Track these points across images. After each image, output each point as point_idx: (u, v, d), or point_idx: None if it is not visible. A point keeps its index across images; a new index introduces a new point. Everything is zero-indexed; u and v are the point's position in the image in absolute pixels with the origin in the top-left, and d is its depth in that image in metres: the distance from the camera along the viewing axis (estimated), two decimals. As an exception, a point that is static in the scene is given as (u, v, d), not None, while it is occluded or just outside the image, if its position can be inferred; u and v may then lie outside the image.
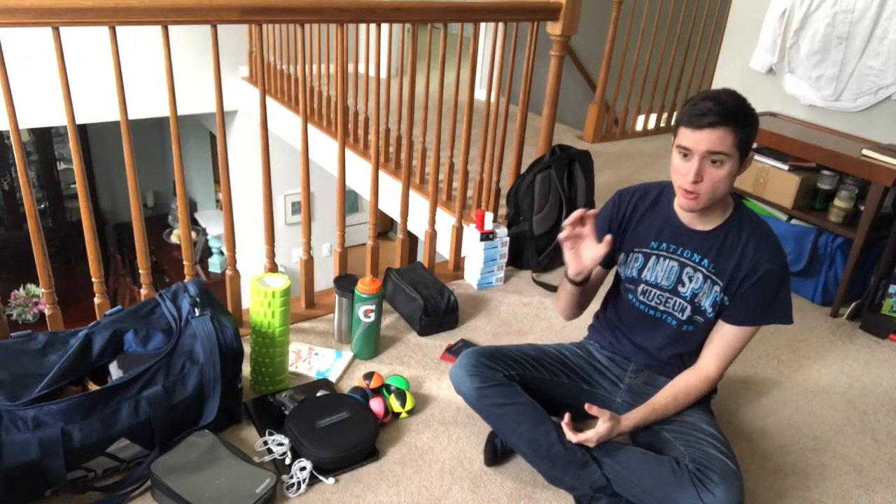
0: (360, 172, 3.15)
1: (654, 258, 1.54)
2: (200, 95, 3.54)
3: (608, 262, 1.66)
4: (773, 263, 1.44)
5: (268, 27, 3.92)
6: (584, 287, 1.59)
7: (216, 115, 1.78)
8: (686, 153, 1.36)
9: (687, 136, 1.34)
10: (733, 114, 1.31)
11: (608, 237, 1.44)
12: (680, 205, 1.45)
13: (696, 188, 1.36)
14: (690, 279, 1.50)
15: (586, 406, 1.41)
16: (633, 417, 1.46)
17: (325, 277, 2.35)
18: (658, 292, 1.55)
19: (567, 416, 1.43)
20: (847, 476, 1.63)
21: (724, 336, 1.50)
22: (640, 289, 1.57)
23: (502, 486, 1.50)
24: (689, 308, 1.51)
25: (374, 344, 1.91)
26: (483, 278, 2.34)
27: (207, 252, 6.23)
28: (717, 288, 1.47)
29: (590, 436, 1.40)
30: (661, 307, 1.55)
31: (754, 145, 2.54)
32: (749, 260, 1.44)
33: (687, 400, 1.49)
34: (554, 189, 2.43)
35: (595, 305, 1.78)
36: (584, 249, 1.49)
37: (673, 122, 1.44)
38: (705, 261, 1.48)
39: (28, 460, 1.25)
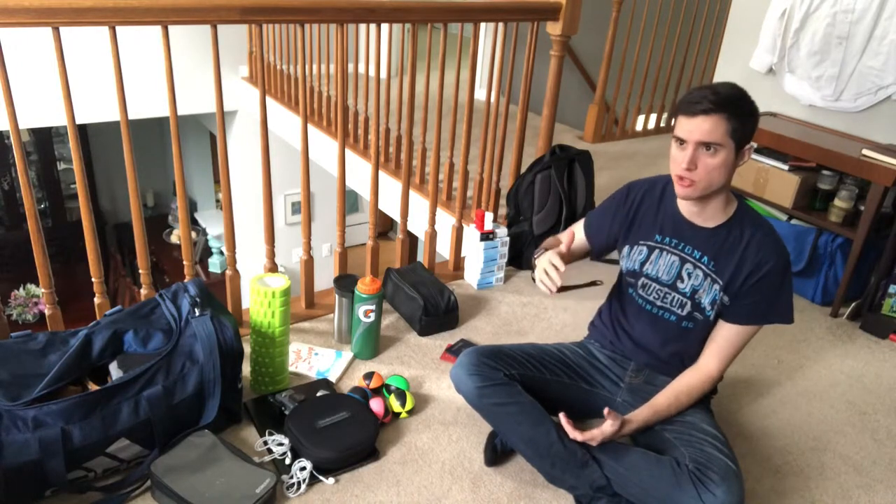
0: (360, 172, 3.15)
1: (657, 251, 1.55)
2: (200, 95, 3.54)
3: (600, 246, 1.68)
4: (776, 262, 1.44)
5: (268, 27, 3.92)
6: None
7: (216, 115, 1.78)
8: (682, 141, 1.38)
9: (682, 125, 1.37)
10: (728, 102, 1.33)
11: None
12: (676, 193, 1.46)
13: (689, 175, 1.38)
14: (690, 275, 1.50)
15: (605, 411, 1.41)
16: (637, 419, 1.46)
17: (325, 277, 2.35)
18: (657, 287, 1.55)
19: (563, 416, 1.43)
20: (847, 476, 1.63)
21: (725, 335, 1.50)
22: (640, 282, 1.58)
23: (502, 486, 1.50)
24: (689, 304, 1.52)
25: (374, 344, 1.91)
26: (483, 278, 2.34)
27: (207, 252, 6.23)
28: (716, 286, 1.48)
29: (594, 434, 1.40)
30: (660, 303, 1.55)
31: (755, 145, 2.56)
32: (751, 259, 1.45)
33: (689, 399, 1.50)
34: (554, 189, 2.43)
35: (597, 303, 1.78)
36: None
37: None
38: (705, 258, 1.49)
39: (28, 460, 1.25)
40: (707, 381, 1.51)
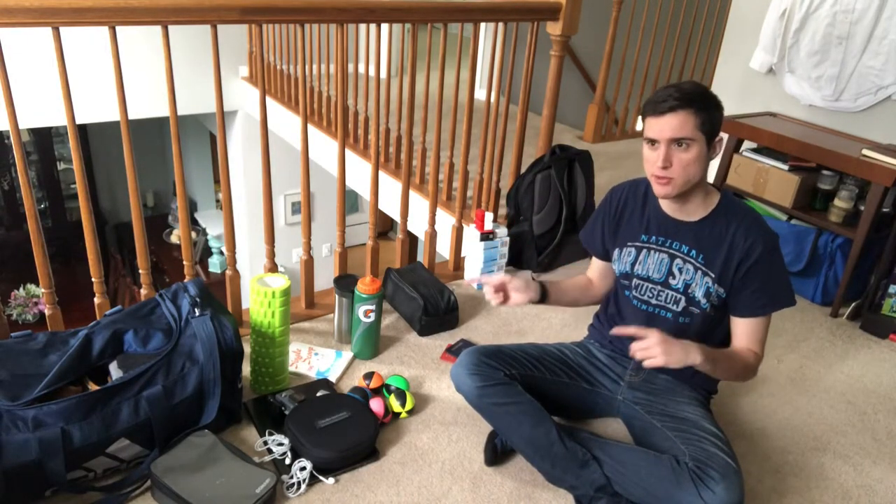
0: (360, 172, 3.15)
1: (645, 251, 1.56)
2: (200, 95, 3.54)
3: (607, 259, 1.68)
4: (764, 246, 1.45)
5: (268, 27, 3.91)
6: (554, 297, 1.66)
7: (216, 115, 1.78)
8: (654, 142, 1.39)
9: (651, 125, 1.39)
10: (692, 97, 1.35)
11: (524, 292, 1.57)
12: (655, 193, 1.47)
13: (666, 173, 1.39)
14: (681, 271, 1.51)
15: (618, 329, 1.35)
16: (705, 348, 1.37)
17: (325, 277, 2.35)
18: (650, 286, 1.56)
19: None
20: (847, 476, 1.63)
21: (743, 330, 1.50)
22: (633, 283, 1.58)
23: (502, 486, 1.50)
24: (683, 299, 1.52)
25: (374, 344, 1.91)
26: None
27: (207, 252, 6.23)
28: (708, 279, 1.48)
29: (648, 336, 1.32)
30: (654, 301, 1.56)
31: (750, 142, 2.56)
32: (740, 248, 1.45)
33: (744, 364, 1.47)
34: (554, 189, 2.43)
35: (594, 306, 1.78)
36: (512, 294, 1.57)
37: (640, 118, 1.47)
38: (693, 251, 1.50)
39: (28, 460, 1.25)
40: (754, 359, 1.49)
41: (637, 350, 1.33)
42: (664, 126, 1.36)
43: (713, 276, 1.48)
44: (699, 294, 1.50)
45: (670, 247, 1.53)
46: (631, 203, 1.60)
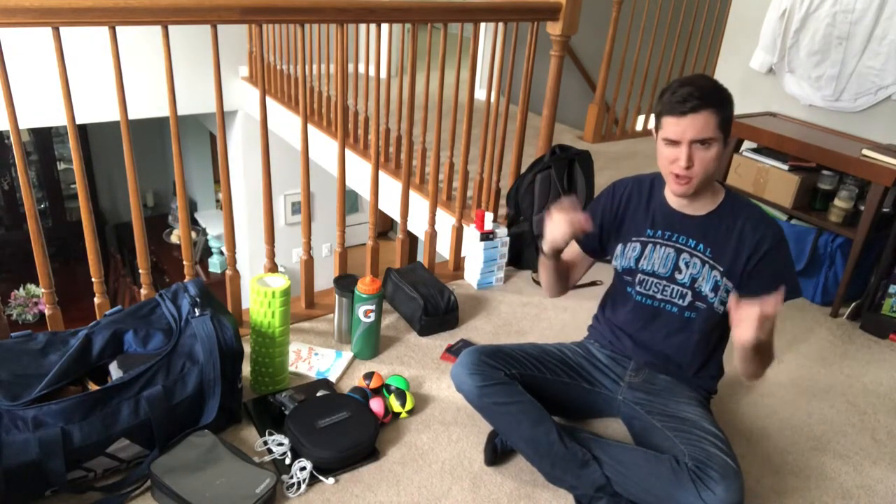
0: (360, 172, 3.15)
1: (650, 246, 1.56)
2: (200, 95, 3.54)
3: (593, 249, 1.68)
4: (772, 238, 1.46)
5: (268, 27, 3.92)
6: (559, 262, 1.63)
7: (216, 115, 1.78)
8: (675, 141, 1.38)
9: (672, 125, 1.37)
10: (712, 95, 1.36)
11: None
12: (672, 191, 1.47)
13: (687, 173, 1.39)
14: (687, 265, 1.51)
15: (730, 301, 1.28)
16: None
17: (325, 277, 2.35)
18: (655, 280, 1.55)
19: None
20: (847, 476, 1.63)
21: None
22: (637, 279, 1.58)
23: (502, 486, 1.50)
24: (689, 294, 1.52)
25: (374, 344, 1.91)
26: (483, 278, 2.34)
27: (207, 252, 6.23)
28: (716, 273, 1.48)
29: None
30: (660, 296, 1.56)
31: (750, 142, 2.56)
32: (749, 242, 1.46)
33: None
34: (554, 189, 2.43)
35: (594, 306, 1.78)
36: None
37: (654, 114, 1.45)
38: (700, 246, 1.50)
39: (28, 460, 1.25)
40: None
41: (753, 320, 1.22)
42: (687, 127, 1.35)
43: (721, 269, 1.48)
44: (706, 288, 1.50)
45: (676, 241, 1.53)
46: (635, 198, 1.60)
